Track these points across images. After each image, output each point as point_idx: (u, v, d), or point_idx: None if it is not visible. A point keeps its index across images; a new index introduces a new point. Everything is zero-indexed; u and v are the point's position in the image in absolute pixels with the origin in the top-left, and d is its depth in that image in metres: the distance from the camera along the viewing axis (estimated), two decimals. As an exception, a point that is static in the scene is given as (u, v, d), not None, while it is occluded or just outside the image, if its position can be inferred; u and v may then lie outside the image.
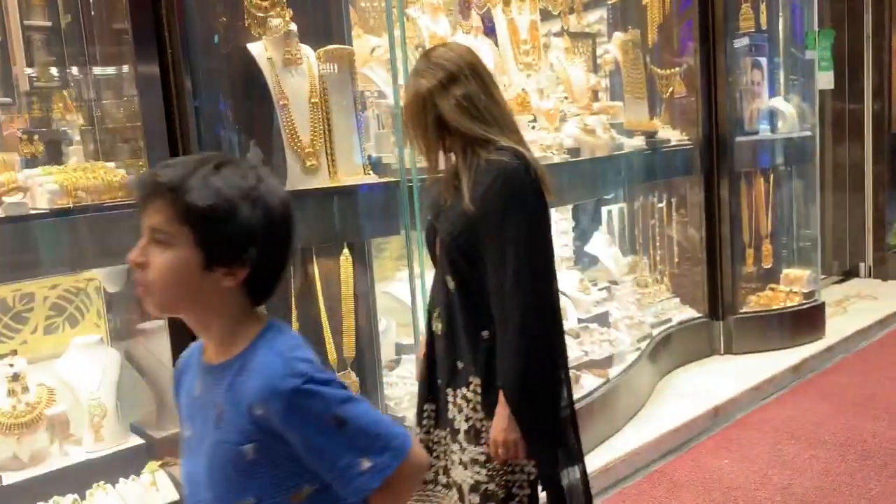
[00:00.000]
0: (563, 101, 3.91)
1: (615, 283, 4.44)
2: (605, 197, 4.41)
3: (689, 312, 4.80)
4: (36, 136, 2.58)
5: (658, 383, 4.24)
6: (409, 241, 2.83)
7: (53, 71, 2.88)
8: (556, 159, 3.43)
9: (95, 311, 2.90)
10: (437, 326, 1.89)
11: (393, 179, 2.78)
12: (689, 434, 3.70)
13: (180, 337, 2.45)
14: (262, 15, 2.56)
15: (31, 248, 2.22)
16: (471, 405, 1.81)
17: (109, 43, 2.62)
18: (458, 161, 1.77)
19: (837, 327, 5.07)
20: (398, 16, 2.95)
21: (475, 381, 1.80)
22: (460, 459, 1.83)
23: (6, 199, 2.18)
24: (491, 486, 1.79)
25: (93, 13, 2.68)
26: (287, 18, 2.59)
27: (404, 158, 2.79)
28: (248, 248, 1.10)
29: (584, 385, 3.52)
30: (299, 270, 2.75)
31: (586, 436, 3.35)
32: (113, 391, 2.56)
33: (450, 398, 1.84)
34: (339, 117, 2.69)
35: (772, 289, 5.03)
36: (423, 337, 2.10)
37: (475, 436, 1.80)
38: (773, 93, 5.03)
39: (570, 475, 1.86)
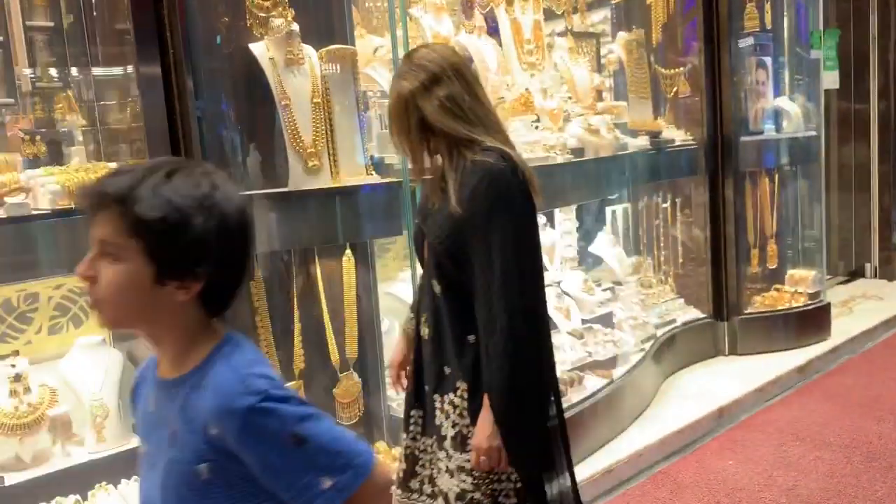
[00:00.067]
0: (566, 101, 3.90)
1: (619, 283, 4.42)
2: (610, 197, 4.39)
3: (694, 313, 4.78)
4: (38, 137, 2.58)
5: (662, 384, 4.22)
6: (412, 241, 2.82)
7: (55, 71, 2.89)
8: (560, 159, 3.42)
9: (98, 311, 2.89)
10: (425, 331, 1.86)
11: (395, 180, 2.78)
12: (693, 435, 3.68)
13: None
14: (263, 15, 2.56)
15: (32, 249, 2.22)
16: (458, 411, 1.78)
17: (111, 43, 2.62)
18: (444, 163, 1.75)
19: (843, 328, 5.04)
20: (401, 15, 2.94)
21: (462, 385, 1.77)
22: (447, 467, 1.80)
23: (8, 200, 2.18)
24: (476, 495, 1.75)
25: (95, 13, 2.68)
26: (289, 18, 2.59)
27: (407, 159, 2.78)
28: (202, 261, 1.05)
29: (588, 386, 3.51)
30: (301, 271, 2.75)
31: (589, 437, 3.37)
32: (115, 392, 2.56)
33: (437, 404, 1.81)
34: (342, 117, 2.69)
35: (777, 289, 5.01)
36: (400, 342, 2.07)
37: (461, 442, 1.77)
38: (778, 92, 5.01)
39: (560, 485, 1.82)
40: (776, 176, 5.00)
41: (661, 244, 4.87)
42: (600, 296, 4.13)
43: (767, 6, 4.78)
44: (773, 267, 5.02)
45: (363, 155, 2.76)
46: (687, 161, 4.70)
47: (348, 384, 2.81)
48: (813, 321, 4.88)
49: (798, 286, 4.99)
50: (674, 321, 4.59)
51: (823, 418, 3.85)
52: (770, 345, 4.71)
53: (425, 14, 3.51)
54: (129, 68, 2.42)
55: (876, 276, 6.64)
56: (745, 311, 4.82)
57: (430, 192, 1.83)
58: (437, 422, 1.81)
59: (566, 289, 4.02)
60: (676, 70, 4.81)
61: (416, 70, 1.74)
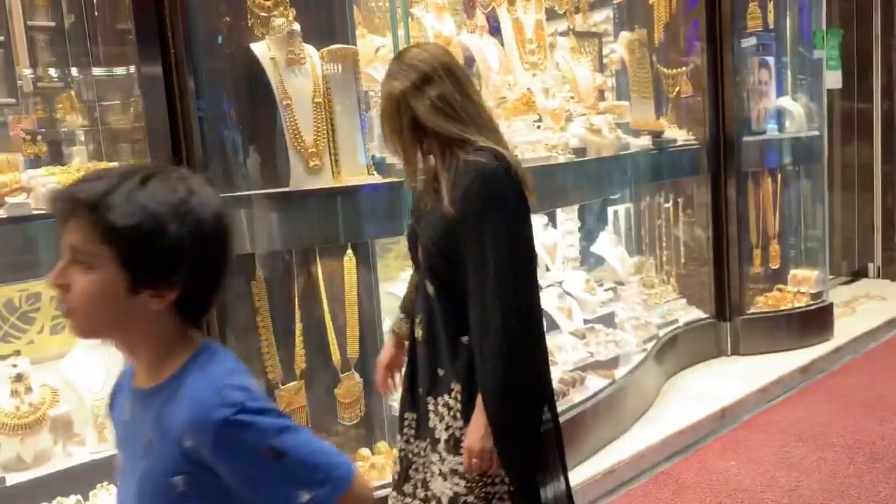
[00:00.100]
0: (568, 101, 3.90)
1: (621, 283, 4.42)
2: (612, 197, 4.39)
3: (696, 313, 4.77)
4: (39, 137, 2.59)
5: (664, 385, 4.21)
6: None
7: (57, 71, 2.89)
8: (562, 159, 3.41)
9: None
10: (418, 333, 1.85)
11: (397, 179, 2.77)
12: (695, 436, 3.68)
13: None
14: (265, 15, 2.56)
15: (34, 249, 2.22)
16: (451, 413, 1.76)
17: (113, 43, 2.62)
18: (437, 163, 1.73)
19: (846, 328, 5.03)
20: (402, 15, 2.94)
21: (456, 387, 1.76)
22: (440, 470, 1.78)
23: (9, 200, 2.18)
24: (470, 499, 1.74)
25: (96, 13, 2.68)
26: (290, 18, 2.59)
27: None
28: (178, 269, 1.02)
29: (590, 386, 3.51)
30: (303, 271, 2.75)
31: (591, 437, 3.37)
32: (116, 392, 2.56)
33: (430, 406, 1.80)
34: (343, 117, 2.69)
35: (779, 289, 5.00)
36: (389, 343, 2.07)
37: (455, 445, 1.75)
38: (780, 92, 5.00)
39: (555, 488, 1.80)
40: (779, 176, 4.99)
41: (664, 244, 4.87)
42: (602, 296, 4.13)
43: (770, 6, 4.78)
44: (776, 267, 5.01)
45: (364, 155, 2.76)
46: (689, 161, 4.69)
47: (350, 384, 2.81)
48: (816, 321, 4.87)
49: (801, 286, 4.98)
50: (676, 321, 4.58)
51: (826, 419, 3.84)
52: (773, 345, 4.70)
53: (427, 14, 3.51)
54: (131, 68, 2.42)
55: (879, 277, 6.63)
56: (748, 312, 4.81)
57: (422, 193, 1.81)
58: (431, 424, 1.80)
59: (568, 289, 4.01)
60: (679, 70, 4.80)
61: (407, 70, 1.73)
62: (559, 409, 3.21)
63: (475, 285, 1.67)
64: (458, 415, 1.75)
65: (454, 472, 1.75)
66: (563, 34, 4.32)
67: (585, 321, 3.93)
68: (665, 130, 4.61)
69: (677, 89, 4.81)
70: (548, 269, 4.02)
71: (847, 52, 5.95)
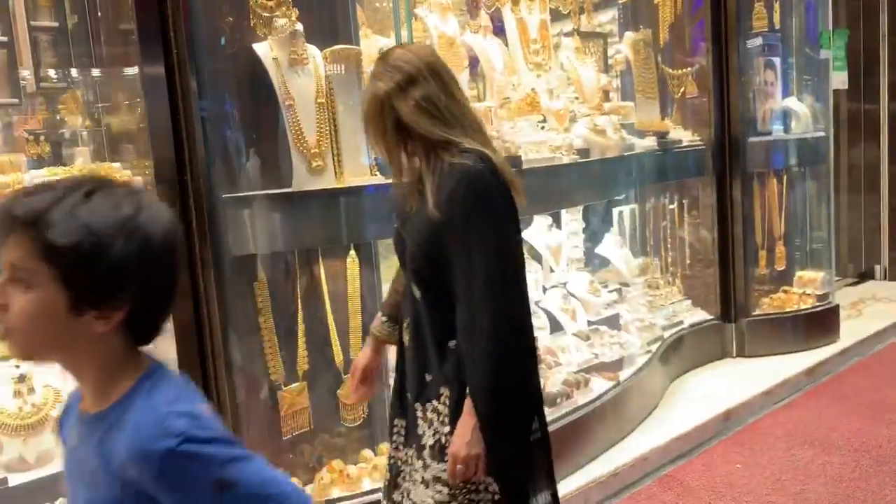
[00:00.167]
0: (573, 102, 3.89)
1: (626, 284, 4.40)
2: (616, 198, 4.37)
3: (701, 315, 4.75)
4: (42, 137, 2.58)
5: (669, 386, 4.20)
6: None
7: (60, 72, 2.89)
8: (566, 160, 3.40)
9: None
10: (406, 338, 1.82)
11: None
12: (700, 438, 3.66)
13: (187, 338, 2.45)
14: (267, 15, 2.55)
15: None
16: (440, 418, 1.72)
17: (115, 44, 2.62)
18: (422, 165, 1.70)
19: (852, 330, 5.01)
20: (406, 16, 2.94)
21: (445, 391, 1.72)
22: (422, 477, 1.74)
23: (11, 200, 2.18)
24: None
25: (99, 14, 2.68)
26: (293, 18, 2.58)
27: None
28: (123, 289, 0.96)
29: (594, 388, 3.49)
30: (305, 272, 2.74)
31: (595, 439, 3.35)
32: (118, 392, 2.56)
33: (419, 413, 1.76)
34: (346, 118, 2.68)
35: (785, 291, 4.98)
36: (367, 346, 2.04)
37: (440, 451, 1.71)
38: (786, 93, 4.98)
39: (543, 498, 1.76)
40: (784, 177, 4.97)
41: (669, 245, 4.85)
42: (607, 297, 4.11)
43: (776, 6, 4.76)
44: (782, 268, 4.99)
45: (367, 155, 2.75)
46: (694, 162, 4.68)
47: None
48: (821, 323, 4.85)
49: (806, 288, 4.96)
50: (681, 323, 4.57)
51: (832, 421, 3.82)
52: (778, 347, 4.69)
53: (431, 14, 3.50)
54: (133, 69, 2.42)
55: (886, 278, 6.60)
56: (753, 313, 4.79)
57: (407, 195, 1.77)
58: (420, 431, 1.76)
59: (572, 290, 4.00)
60: (684, 70, 4.78)
61: (392, 71, 1.70)
62: (563, 411, 3.25)
63: (463, 288, 1.64)
64: (447, 420, 1.71)
65: (437, 479, 1.71)
66: (567, 34, 4.31)
67: (590, 323, 3.91)
68: (670, 131, 4.60)
69: (682, 90, 4.80)
70: (552, 271, 4.01)
71: (853, 52, 5.92)
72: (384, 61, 1.74)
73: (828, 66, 5.09)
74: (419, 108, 1.67)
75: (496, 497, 1.70)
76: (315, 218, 2.63)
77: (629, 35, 4.60)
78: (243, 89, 2.65)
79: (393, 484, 1.85)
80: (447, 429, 1.70)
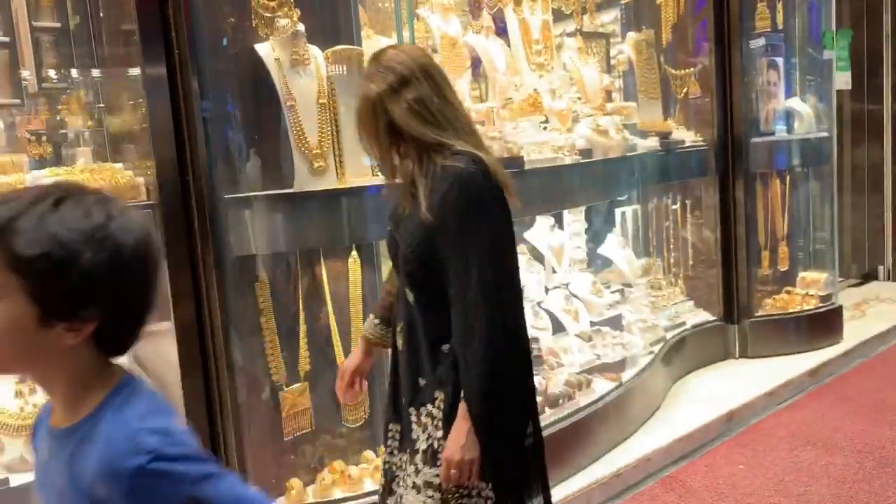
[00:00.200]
0: (575, 102, 3.88)
1: (629, 285, 4.39)
2: (619, 198, 4.36)
3: (704, 315, 4.74)
4: (44, 138, 2.59)
5: (672, 387, 4.19)
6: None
7: (62, 72, 2.89)
8: (569, 160, 3.39)
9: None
10: (399, 342, 1.81)
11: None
12: (702, 439, 3.65)
13: (188, 338, 2.45)
14: (269, 15, 2.55)
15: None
16: (434, 422, 1.71)
17: (117, 44, 2.62)
18: (414, 168, 1.68)
19: (855, 331, 4.99)
20: (408, 16, 2.93)
21: (440, 395, 1.70)
22: (413, 483, 1.72)
23: (13, 201, 2.18)
24: None
25: (101, 14, 2.68)
26: (294, 19, 2.58)
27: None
28: (93, 300, 0.93)
29: (597, 389, 3.48)
30: (307, 272, 2.74)
31: (598, 440, 3.35)
32: (120, 393, 2.55)
33: (413, 417, 1.75)
34: (348, 118, 2.67)
35: (788, 292, 4.97)
36: (357, 348, 2.03)
37: (432, 456, 1.68)
38: (789, 93, 4.96)
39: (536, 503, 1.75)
40: (787, 177, 4.96)
41: (671, 246, 4.84)
42: (609, 298, 4.11)
43: (779, 6, 4.75)
44: (785, 269, 4.98)
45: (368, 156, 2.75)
46: (697, 162, 4.67)
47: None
48: (825, 324, 4.84)
49: (810, 289, 4.95)
50: (684, 324, 4.56)
51: (835, 423, 3.81)
52: (781, 348, 4.68)
53: (433, 14, 3.49)
54: (135, 69, 2.42)
55: (889, 279, 6.58)
56: (756, 314, 4.78)
57: (400, 198, 1.76)
58: (414, 436, 1.75)
59: (575, 291, 3.99)
60: (687, 70, 4.77)
61: (384, 72, 1.68)
62: (565, 412, 3.24)
63: (457, 292, 1.62)
64: (440, 423, 1.70)
65: (428, 484, 1.69)
66: (570, 35, 4.31)
67: (592, 323, 3.91)
68: (673, 131, 4.59)
69: (685, 90, 4.79)
70: (554, 271, 4.00)
71: (857, 52, 5.90)
72: (376, 62, 1.72)
73: (831, 66, 5.07)
74: (412, 110, 1.65)
75: (489, 502, 1.69)
76: (317, 218, 2.63)
77: (632, 35, 4.59)
78: (245, 90, 2.65)
79: (388, 489, 1.84)
80: (440, 433, 1.69)
